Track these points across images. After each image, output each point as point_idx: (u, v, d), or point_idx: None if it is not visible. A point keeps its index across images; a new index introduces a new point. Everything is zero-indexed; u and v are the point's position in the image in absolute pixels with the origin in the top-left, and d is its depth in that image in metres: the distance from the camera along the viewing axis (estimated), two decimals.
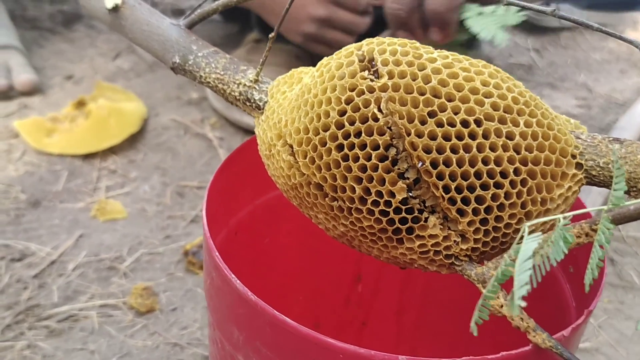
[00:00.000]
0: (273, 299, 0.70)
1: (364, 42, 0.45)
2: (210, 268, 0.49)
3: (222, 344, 0.51)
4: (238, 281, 0.45)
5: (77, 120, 1.16)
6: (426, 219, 0.44)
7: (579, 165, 0.44)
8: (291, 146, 0.46)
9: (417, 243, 0.44)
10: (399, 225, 0.44)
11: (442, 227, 0.44)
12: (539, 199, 0.43)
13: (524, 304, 0.34)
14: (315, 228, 0.51)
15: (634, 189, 0.42)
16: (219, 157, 1.13)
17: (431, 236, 0.44)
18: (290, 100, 0.47)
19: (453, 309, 0.68)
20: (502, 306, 0.41)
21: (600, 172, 0.43)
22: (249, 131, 1.18)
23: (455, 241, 0.44)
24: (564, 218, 0.37)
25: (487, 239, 0.44)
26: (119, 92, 1.23)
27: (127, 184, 1.08)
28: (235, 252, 0.63)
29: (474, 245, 0.44)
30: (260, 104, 0.50)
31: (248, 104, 0.51)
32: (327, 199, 0.45)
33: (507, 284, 0.40)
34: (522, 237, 0.38)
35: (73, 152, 1.11)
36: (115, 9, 0.55)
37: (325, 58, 0.47)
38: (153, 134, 1.18)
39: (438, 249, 0.44)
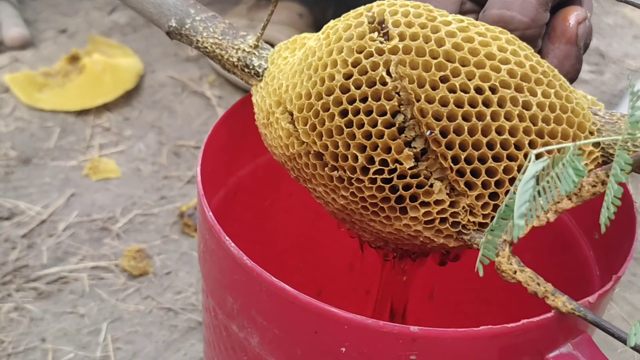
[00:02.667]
0: (273, 265, 0.67)
1: (375, 3, 0.43)
2: (204, 230, 0.46)
3: (215, 312, 0.48)
4: (233, 244, 0.42)
5: (71, 75, 1.13)
6: (431, 185, 0.41)
7: (595, 143, 0.41)
8: (291, 113, 0.43)
9: (422, 211, 0.42)
10: (402, 192, 0.41)
11: (448, 194, 0.41)
12: None
13: (522, 222, 0.31)
14: None
15: None
16: (217, 117, 1.10)
17: (437, 202, 0.41)
18: (293, 65, 0.45)
19: (462, 278, 0.65)
20: (515, 272, 0.39)
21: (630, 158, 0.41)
22: (249, 90, 1.14)
23: (463, 207, 0.41)
24: (575, 147, 0.34)
25: None
26: (115, 47, 1.19)
27: (122, 142, 1.04)
28: (235, 214, 0.59)
29: (482, 221, 0.42)
30: (260, 70, 0.48)
31: (247, 70, 0.49)
32: (327, 168, 0.42)
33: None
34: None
35: (66, 108, 1.08)
36: None
37: (332, 21, 0.44)
38: (149, 91, 1.14)
39: (444, 215, 0.41)
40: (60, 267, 0.84)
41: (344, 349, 0.40)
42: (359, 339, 0.39)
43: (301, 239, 0.70)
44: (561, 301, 0.38)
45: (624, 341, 0.35)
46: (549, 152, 0.38)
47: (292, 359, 0.42)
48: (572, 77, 0.49)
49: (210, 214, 0.44)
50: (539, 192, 0.33)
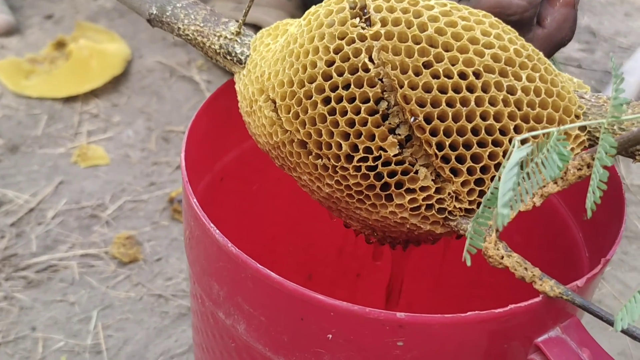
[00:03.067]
0: (262, 250, 0.67)
1: None
2: (189, 217, 0.46)
3: (202, 299, 0.48)
4: (217, 231, 0.41)
5: (57, 61, 1.11)
6: (417, 172, 0.41)
7: (582, 127, 0.41)
8: (274, 101, 0.43)
9: (408, 198, 0.41)
10: (387, 179, 0.41)
11: (434, 181, 0.41)
12: None
13: (507, 211, 0.31)
14: None
15: (639, 152, 0.38)
16: None
17: (422, 189, 0.41)
18: (275, 52, 0.44)
19: (451, 262, 0.65)
20: (502, 257, 0.39)
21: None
22: None
23: (449, 194, 0.41)
24: (559, 132, 0.33)
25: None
26: (101, 33, 1.18)
27: (110, 128, 1.03)
28: (221, 199, 0.59)
29: (468, 207, 0.41)
30: (242, 57, 0.47)
31: (229, 57, 0.48)
32: (311, 157, 0.42)
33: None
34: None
35: (53, 95, 1.07)
36: None
37: (314, 6, 0.43)
38: (137, 76, 1.13)
39: (430, 202, 0.41)
40: (49, 255, 0.84)
41: (330, 336, 0.39)
42: (346, 325, 0.39)
43: (290, 223, 0.69)
44: (549, 285, 0.38)
45: (612, 324, 0.35)
46: (535, 137, 0.38)
47: (279, 345, 0.42)
48: (569, 38, 0.49)
49: (195, 200, 0.44)
50: (523, 179, 0.33)
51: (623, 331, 0.34)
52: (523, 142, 0.34)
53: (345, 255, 0.73)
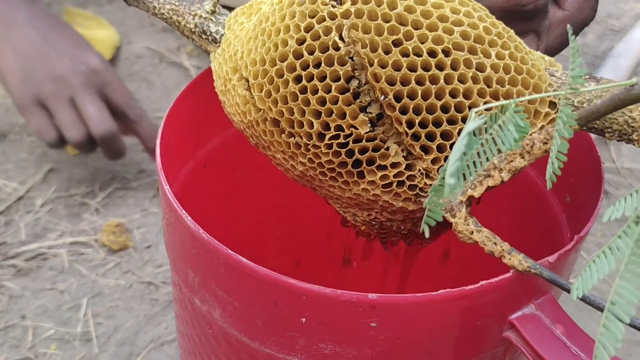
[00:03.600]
0: (249, 237, 0.67)
1: None
2: (164, 204, 0.45)
3: (179, 287, 0.48)
4: (189, 218, 0.42)
5: None
6: (388, 148, 0.41)
7: (552, 104, 0.41)
8: (247, 80, 0.43)
9: (379, 174, 0.42)
10: (359, 156, 0.41)
11: (405, 158, 0.41)
12: None
13: (453, 180, 0.30)
14: None
15: (609, 129, 0.39)
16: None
17: (393, 165, 0.41)
18: (248, 31, 0.44)
19: (440, 246, 0.65)
20: (472, 232, 0.39)
21: (574, 112, 0.40)
22: None
23: (419, 170, 0.41)
24: (516, 104, 0.33)
25: None
26: (90, 19, 1.17)
27: None
28: (204, 187, 0.59)
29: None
30: (217, 36, 0.47)
31: (204, 37, 0.48)
32: (284, 135, 0.42)
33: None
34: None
35: None
36: None
37: None
38: (126, 62, 1.12)
39: (401, 179, 0.42)
40: (38, 243, 0.84)
41: (304, 319, 0.39)
42: (318, 308, 0.39)
43: (277, 210, 0.69)
44: (517, 260, 0.38)
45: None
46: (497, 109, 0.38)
47: (253, 330, 0.42)
48: (592, 17, 0.49)
49: (168, 187, 0.44)
50: (478, 154, 0.33)
51: (581, 299, 0.34)
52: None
53: (334, 241, 0.73)
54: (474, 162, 0.33)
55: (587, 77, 0.41)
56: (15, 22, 0.85)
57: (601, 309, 0.35)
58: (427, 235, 0.34)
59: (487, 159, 0.33)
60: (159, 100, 1.06)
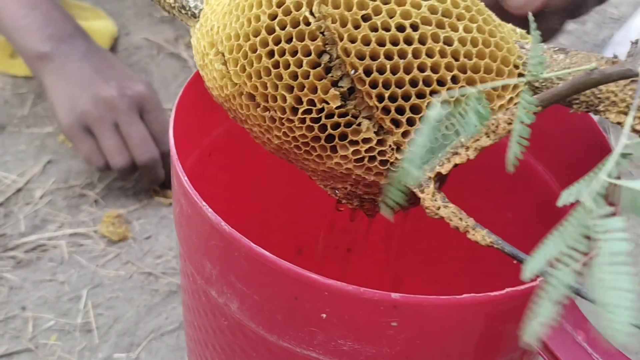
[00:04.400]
0: (252, 225, 0.66)
1: None
2: (179, 195, 0.45)
3: (193, 277, 0.47)
4: (210, 209, 0.41)
5: None
6: (359, 124, 0.42)
7: (521, 76, 0.41)
8: (223, 54, 0.44)
9: (351, 149, 0.42)
10: (331, 131, 0.42)
11: (376, 133, 0.42)
12: None
13: (407, 165, 0.31)
14: None
15: (576, 100, 0.40)
16: None
17: (365, 140, 0.42)
18: (224, 5, 0.45)
19: (440, 236, 0.65)
20: (439, 208, 0.40)
21: (543, 84, 0.41)
22: None
23: (390, 146, 0.42)
24: (479, 92, 0.34)
25: None
26: (87, 10, 1.16)
27: None
28: (209, 175, 0.58)
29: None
30: (196, 11, 0.48)
31: (183, 11, 0.48)
32: (259, 109, 0.43)
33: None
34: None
35: None
36: None
37: None
38: (124, 54, 1.11)
39: (372, 154, 0.42)
40: (38, 235, 0.83)
41: (324, 315, 0.39)
42: (340, 305, 0.38)
43: (280, 198, 0.69)
44: (480, 235, 0.39)
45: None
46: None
47: (272, 324, 0.42)
48: None
49: (186, 178, 0.43)
50: (437, 139, 0.33)
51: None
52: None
53: (337, 230, 0.72)
54: (434, 149, 0.33)
55: (556, 49, 0.41)
56: (71, 57, 0.87)
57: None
58: (386, 215, 0.35)
59: (448, 145, 0.33)
60: (157, 91, 1.04)
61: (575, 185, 0.31)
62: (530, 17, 0.36)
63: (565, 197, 0.31)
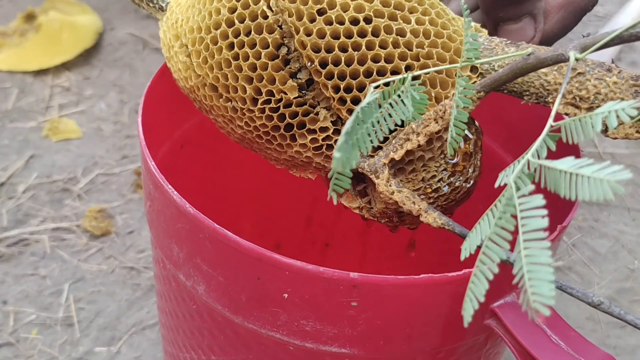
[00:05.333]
0: (228, 219, 0.66)
1: None
2: (147, 180, 0.45)
3: (163, 263, 0.48)
4: (176, 192, 0.42)
5: (27, 34, 1.10)
6: (317, 113, 0.43)
7: (474, 68, 0.43)
8: (187, 47, 0.45)
9: (309, 138, 0.43)
10: (290, 120, 0.43)
11: (333, 122, 0.43)
12: (433, 98, 0.42)
13: (338, 154, 0.31)
14: None
15: (527, 92, 0.41)
16: None
17: (322, 129, 0.43)
18: None
19: (419, 229, 0.65)
20: (393, 192, 0.41)
21: (487, 72, 0.42)
22: None
23: None
24: (413, 78, 0.36)
25: None
26: (72, 4, 1.16)
27: (82, 102, 1.02)
28: (182, 168, 0.59)
29: None
30: (163, 4, 0.49)
31: (151, 4, 0.49)
32: (221, 100, 0.44)
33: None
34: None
35: (23, 69, 1.05)
36: None
37: None
38: (109, 49, 1.12)
39: (330, 142, 0.43)
40: (20, 229, 0.83)
41: (286, 295, 0.40)
42: (300, 284, 0.39)
43: (257, 192, 0.69)
44: (432, 217, 0.40)
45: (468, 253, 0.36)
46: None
47: (237, 305, 0.42)
48: (593, 4, 0.50)
49: (153, 163, 0.44)
50: (373, 123, 0.34)
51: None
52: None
53: (314, 225, 0.73)
54: (369, 134, 0.34)
55: (508, 42, 0.43)
56: None
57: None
58: (334, 203, 0.36)
59: (382, 131, 0.34)
60: (142, 87, 1.05)
61: (509, 167, 0.31)
62: (463, 6, 0.37)
63: (500, 179, 0.32)
